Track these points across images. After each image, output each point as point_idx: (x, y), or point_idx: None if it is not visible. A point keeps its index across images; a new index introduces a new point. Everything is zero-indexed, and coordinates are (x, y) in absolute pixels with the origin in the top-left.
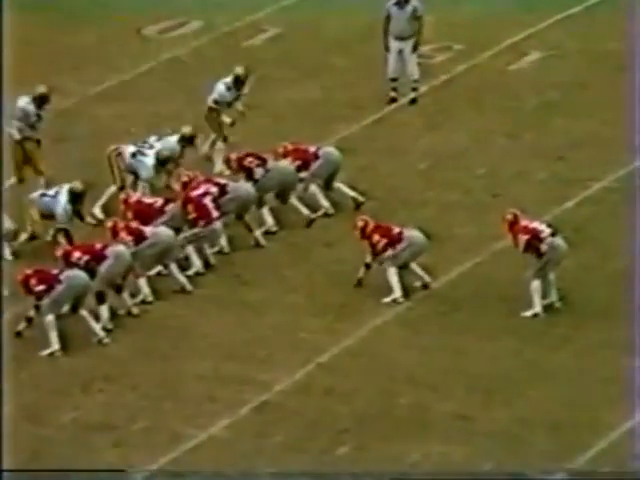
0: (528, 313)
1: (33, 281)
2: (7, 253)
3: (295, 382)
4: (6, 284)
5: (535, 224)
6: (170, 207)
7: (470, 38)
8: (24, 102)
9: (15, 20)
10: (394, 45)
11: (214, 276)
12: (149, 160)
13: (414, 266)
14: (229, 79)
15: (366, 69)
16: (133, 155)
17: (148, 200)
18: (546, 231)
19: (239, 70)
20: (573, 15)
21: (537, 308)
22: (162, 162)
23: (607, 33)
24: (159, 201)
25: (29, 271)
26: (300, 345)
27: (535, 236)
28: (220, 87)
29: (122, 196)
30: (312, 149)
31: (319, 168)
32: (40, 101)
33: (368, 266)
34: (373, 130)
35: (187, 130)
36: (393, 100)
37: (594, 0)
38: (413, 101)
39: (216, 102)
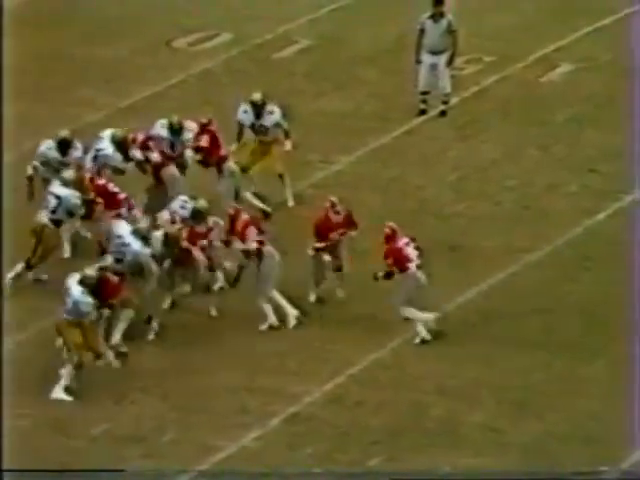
0: None
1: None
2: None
3: (325, 394)
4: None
5: (408, 251)
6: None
7: (501, 50)
8: (46, 147)
9: (46, 33)
10: (427, 59)
11: (245, 289)
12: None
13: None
14: (248, 103)
15: (395, 81)
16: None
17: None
18: (413, 263)
19: (256, 96)
20: (604, 27)
21: (422, 334)
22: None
23: (638, 45)
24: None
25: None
26: (330, 357)
27: (401, 262)
28: (240, 109)
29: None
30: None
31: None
32: (63, 146)
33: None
34: (403, 142)
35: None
36: (423, 112)
37: (625, 12)
38: (443, 113)
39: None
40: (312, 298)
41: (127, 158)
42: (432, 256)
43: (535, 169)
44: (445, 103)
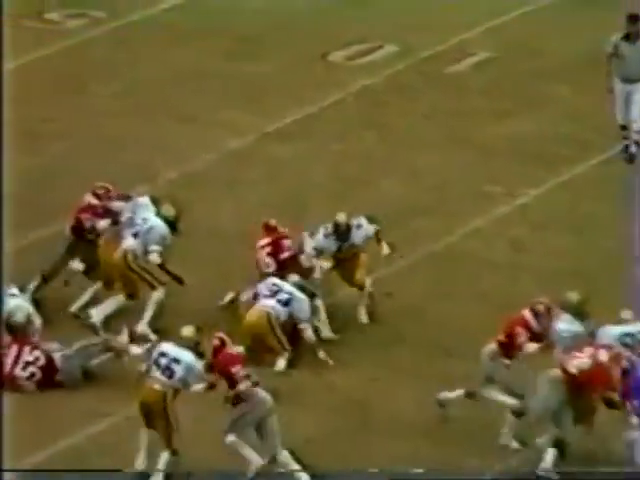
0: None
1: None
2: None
3: (506, 469)
4: None
5: (235, 368)
6: None
7: None
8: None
9: (185, 49)
10: (620, 88)
11: (411, 343)
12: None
13: None
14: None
15: (591, 100)
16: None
17: None
18: (247, 383)
19: (341, 217)
20: None
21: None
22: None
23: None
24: None
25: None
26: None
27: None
28: (319, 234)
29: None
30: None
31: None
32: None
33: None
34: (601, 172)
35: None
36: (626, 149)
37: None
38: (630, 158)
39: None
40: None
41: None
42: None
43: None
44: (637, 144)
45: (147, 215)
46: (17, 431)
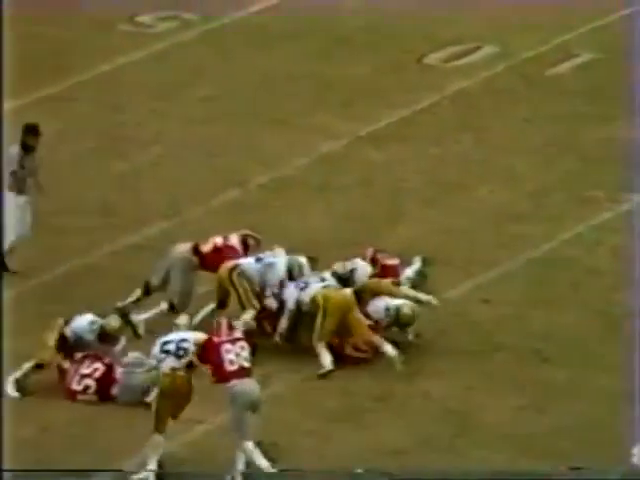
0: None
1: None
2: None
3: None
4: None
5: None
6: None
7: None
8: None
9: (277, 51)
10: None
11: (508, 350)
12: None
13: None
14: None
15: None
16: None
17: None
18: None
19: (338, 266)
20: None
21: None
22: None
23: None
24: None
25: None
26: (617, 439)
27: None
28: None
29: None
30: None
31: None
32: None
33: None
34: None
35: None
36: None
37: None
38: None
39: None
40: None
41: None
42: None
43: None
44: None
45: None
46: (110, 438)
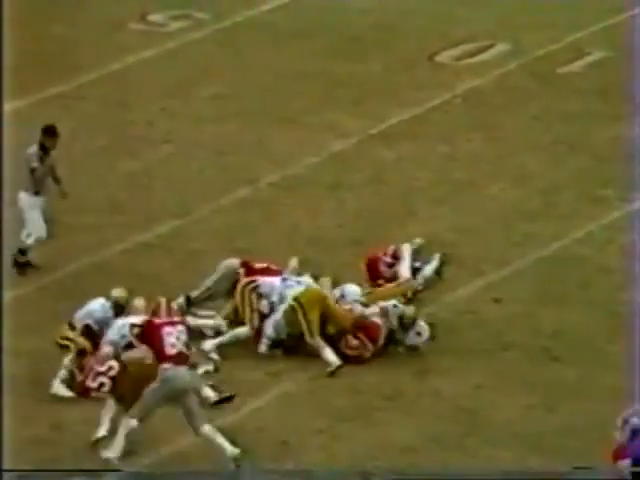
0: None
1: None
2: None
3: None
4: None
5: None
6: None
7: None
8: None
9: (287, 49)
10: None
11: (518, 349)
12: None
13: None
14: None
15: None
16: None
17: None
18: None
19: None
20: None
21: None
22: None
23: None
24: None
25: None
26: None
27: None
28: None
29: None
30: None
31: None
32: None
33: None
34: None
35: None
36: None
37: None
38: None
39: None
40: None
41: None
42: None
43: None
44: None
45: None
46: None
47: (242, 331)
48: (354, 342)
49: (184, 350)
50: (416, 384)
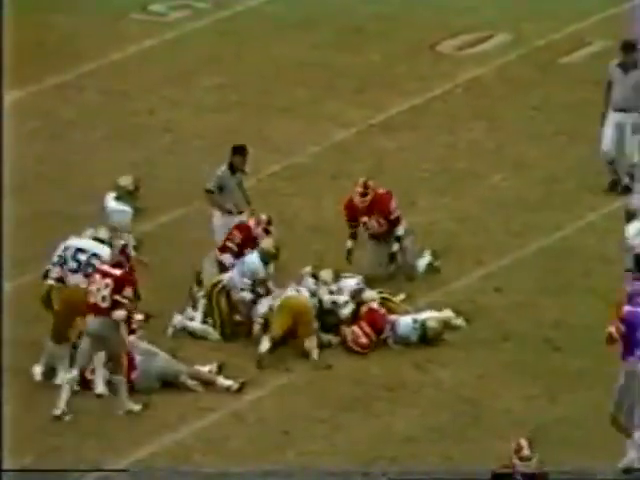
0: None
1: None
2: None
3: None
4: None
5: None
6: None
7: None
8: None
9: (288, 39)
10: (612, 118)
11: (520, 339)
12: None
13: None
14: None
15: None
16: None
17: None
18: None
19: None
20: None
21: None
22: None
23: None
24: None
25: None
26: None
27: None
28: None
29: None
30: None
31: None
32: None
33: None
34: None
35: None
36: (614, 185)
37: None
38: (626, 189)
39: None
40: None
41: None
42: None
43: None
44: (631, 177)
45: None
46: (121, 427)
47: (213, 335)
48: (363, 340)
49: (100, 303)
50: (418, 374)
